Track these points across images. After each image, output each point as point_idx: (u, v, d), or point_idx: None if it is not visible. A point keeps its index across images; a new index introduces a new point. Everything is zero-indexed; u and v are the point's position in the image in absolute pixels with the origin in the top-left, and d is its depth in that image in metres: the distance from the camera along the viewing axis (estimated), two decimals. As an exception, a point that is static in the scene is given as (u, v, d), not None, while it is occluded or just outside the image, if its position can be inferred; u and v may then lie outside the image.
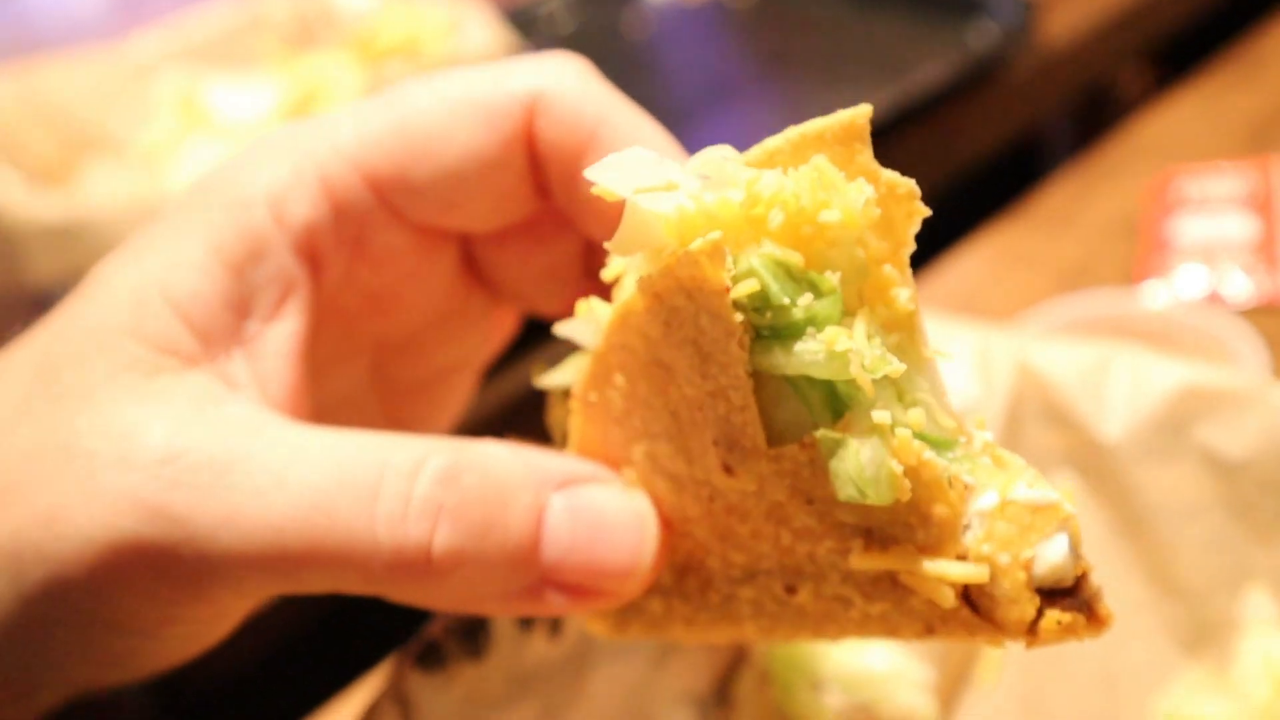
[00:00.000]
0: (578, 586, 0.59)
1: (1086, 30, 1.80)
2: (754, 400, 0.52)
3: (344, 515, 0.55)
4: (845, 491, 0.51)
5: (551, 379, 0.64)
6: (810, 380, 0.51)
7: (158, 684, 0.66)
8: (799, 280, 0.51)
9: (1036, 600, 0.51)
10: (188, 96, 1.58)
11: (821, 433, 0.51)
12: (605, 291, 0.59)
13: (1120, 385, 0.81)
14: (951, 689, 0.84)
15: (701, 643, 0.66)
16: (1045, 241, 1.39)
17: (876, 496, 0.50)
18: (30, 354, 0.61)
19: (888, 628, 0.57)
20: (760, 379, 0.52)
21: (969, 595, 0.53)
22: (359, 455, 0.57)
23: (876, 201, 0.51)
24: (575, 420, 0.61)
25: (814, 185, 0.51)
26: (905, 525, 0.52)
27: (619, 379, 0.57)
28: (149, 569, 0.56)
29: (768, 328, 0.51)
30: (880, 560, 0.54)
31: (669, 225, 0.51)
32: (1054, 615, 0.51)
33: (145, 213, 1.23)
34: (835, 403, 0.52)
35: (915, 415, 0.51)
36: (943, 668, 0.84)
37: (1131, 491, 0.81)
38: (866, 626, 0.58)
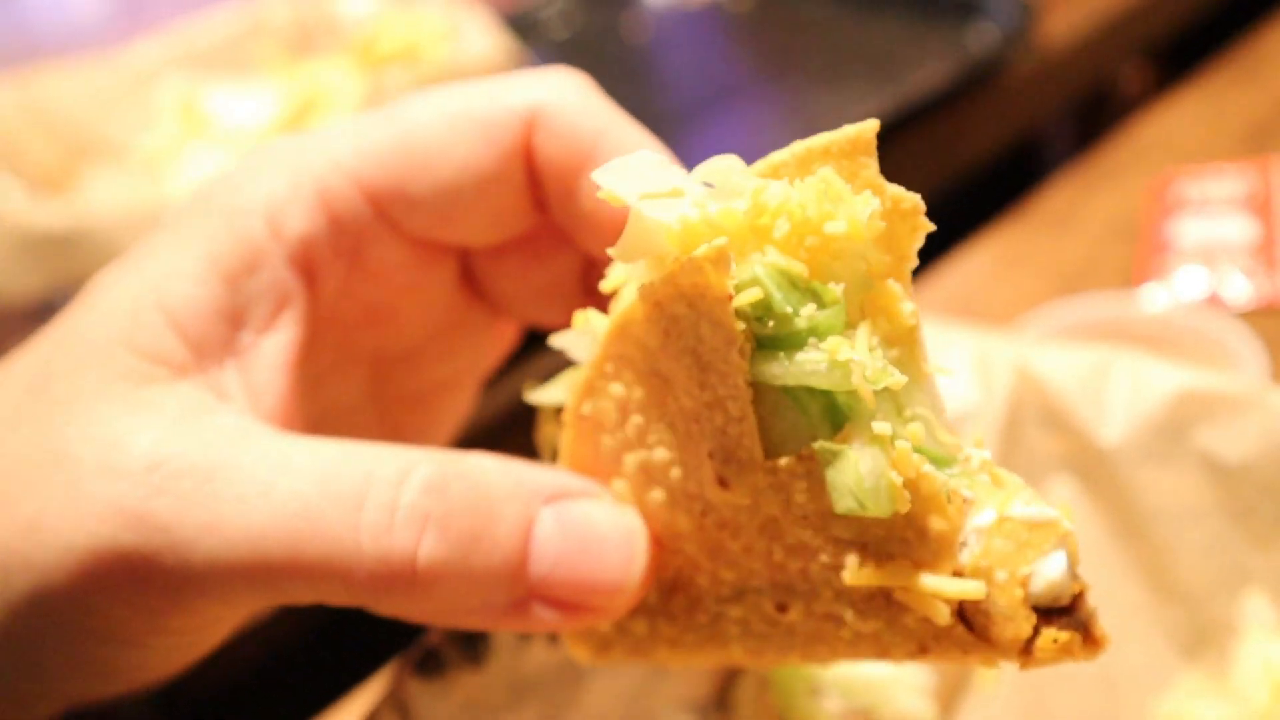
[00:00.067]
0: (565, 602, 0.58)
1: (1086, 32, 1.80)
2: (752, 411, 0.52)
3: (327, 524, 0.55)
4: (844, 503, 0.50)
5: (543, 395, 0.63)
6: (810, 391, 0.51)
7: (155, 691, 0.66)
8: (802, 290, 0.51)
9: (1033, 618, 0.50)
10: (188, 103, 1.59)
11: (820, 444, 0.51)
12: (603, 307, 0.59)
13: (1119, 389, 0.81)
14: (951, 693, 0.84)
15: (685, 666, 0.65)
16: (1045, 244, 1.39)
17: (876, 508, 0.50)
18: (25, 365, 0.61)
19: (879, 647, 0.56)
20: (759, 390, 0.52)
21: (964, 613, 0.52)
22: (344, 464, 0.56)
23: (881, 215, 0.51)
24: (566, 434, 0.61)
25: (820, 196, 0.51)
26: (902, 540, 0.52)
27: (615, 388, 0.57)
28: (132, 577, 0.55)
29: (769, 337, 0.51)
30: (876, 576, 0.53)
31: (671, 234, 0.51)
32: (1050, 634, 0.50)
33: (146, 219, 1.23)
34: (834, 415, 0.51)
35: (914, 430, 0.51)
36: (942, 672, 0.84)
37: (1131, 495, 0.81)
38: (858, 646, 0.57)
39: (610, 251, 0.52)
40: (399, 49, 1.62)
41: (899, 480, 0.50)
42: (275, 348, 0.62)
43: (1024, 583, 0.50)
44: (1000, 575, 0.50)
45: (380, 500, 0.56)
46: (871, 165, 0.52)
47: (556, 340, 0.60)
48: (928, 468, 0.50)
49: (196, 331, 0.60)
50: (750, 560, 0.57)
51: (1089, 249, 1.37)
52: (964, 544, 0.51)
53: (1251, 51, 1.67)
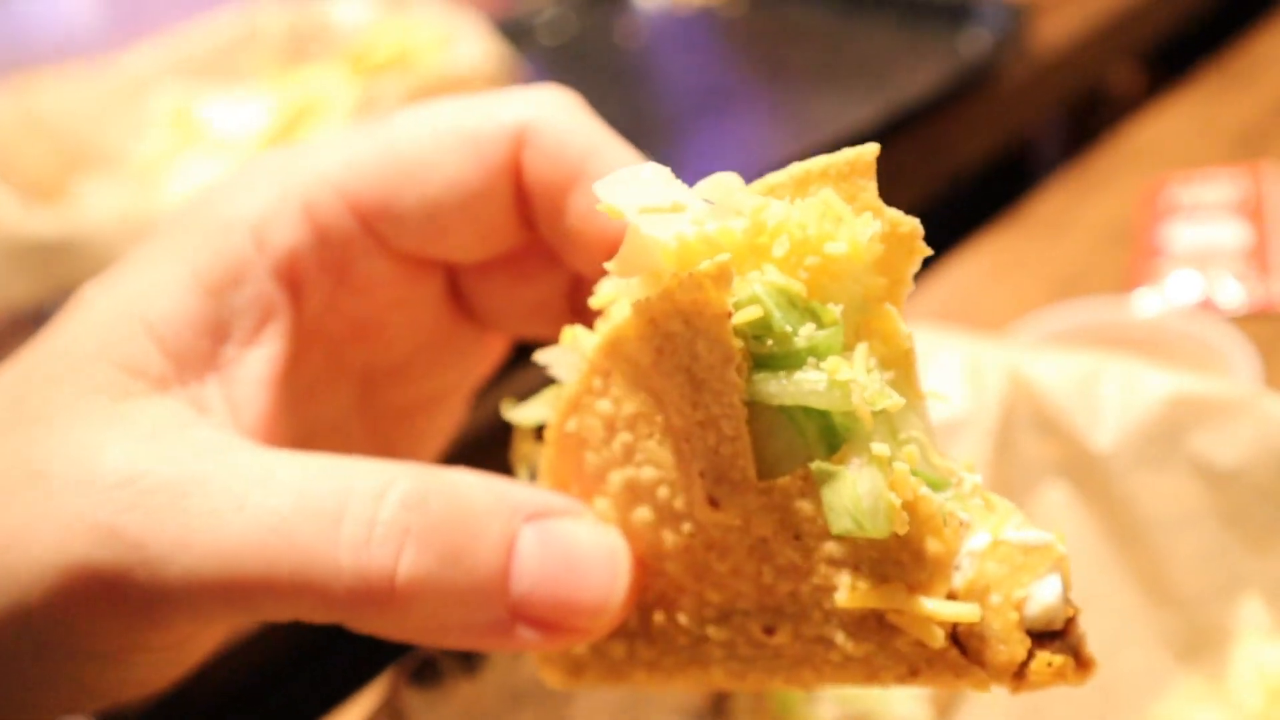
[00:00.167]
0: (546, 622, 0.57)
1: (1078, 37, 1.81)
2: (747, 430, 0.52)
3: (303, 539, 0.54)
4: (840, 524, 0.50)
5: (522, 413, 0.63)
6: (807, 411, 0.51)
7: (147, 703, 0.66)
8: (801, 310, 0.51)
9: (1027, 642, 0.50)
10: (182, 111, 1.58)
11: (817, 465, 0.51)
12: (590, 324, 0.59)
13: (1112, 394, 0.82)
14: (947, 697, 0.84)
15: (663, 690, 0.64)
16: (1038, 249, 1.39)
17: (873, 529, 0.50)
18: (6, 379, 0.61)
19: (869, 672, 0.56)
20: (754, 409, 0.52)
21: (957, 636, 0.52)
22: (322, 478, 0.56)
23: (880, 238, 0.51)
24: (549, 451, 0.61)
25: (821, 216, 0.51)
26: (896, 563, 0.52)
27: (603, 405, 0.57)
28: (104, 594, 0.54)
29: (767, 356, 0.51)
30: (870, 598, 0.52)
31: (668, 254, 0.51)
32: (1045, 657, 0.50)
33: (140, 228, 1.23)
34: (831, 436, 0.51)
35: (910, 452, 0.51)
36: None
37: (1124, 501, 0.81)
38: (846, 670, 0.56)
39: (607, 265, 0.52)
40: (392, 57, 1.61)
41: (897, 502, 0.49)
42: (259, 361, 0.62)
43: (1019, 606, 0.50)
44: (994, 599, 0.50)
45: (359, 515, 0.55)
46: (870, 188, 0.52)
47: (542, 356, 0.60)
48: (924, 490, 0.50)
49: (178, 344, 0.59)
50: (738, 582, 0.57)
51: (1082, 254, 1.37)
52: (957, 567, 0.51)
53: (1243, 56, 1.68)
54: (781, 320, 0.50)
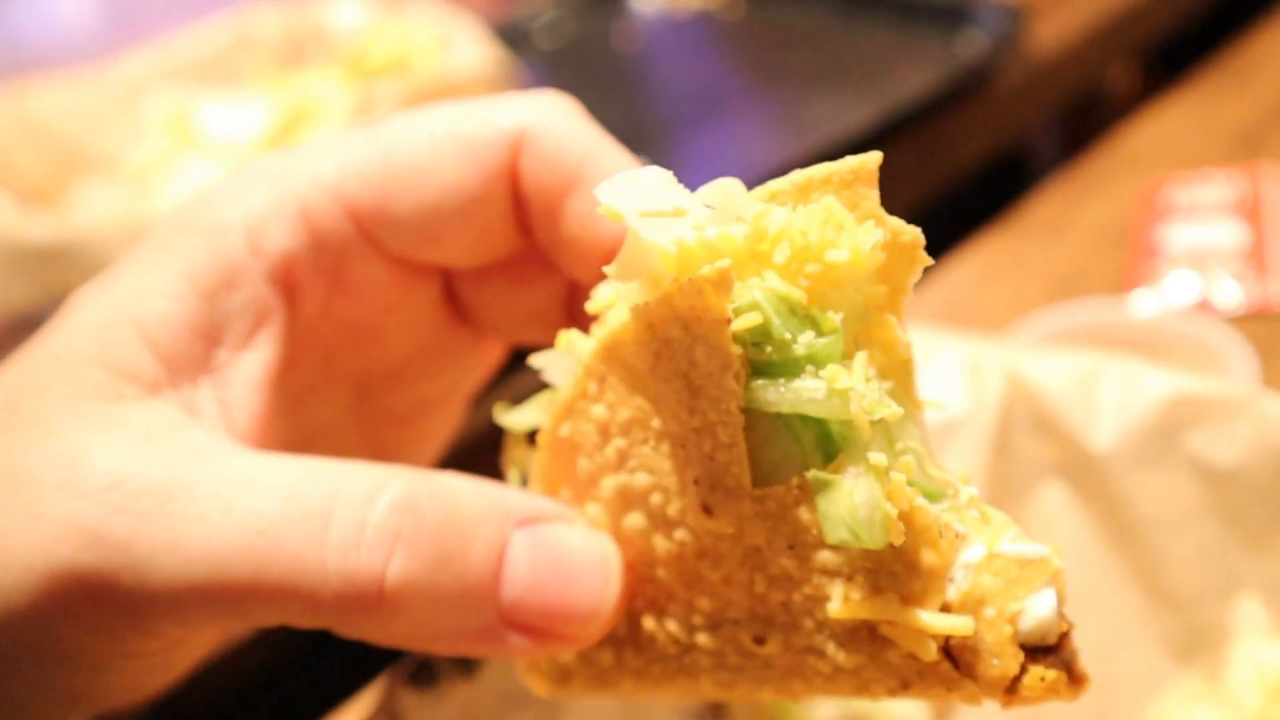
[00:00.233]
0: (536, 628, 0.57)
1: (1075, 39, 1.81)
2: (743, 437, 0.52)
3: (290, 543, 0.54)
4: (836, 534, 0.50)
5: (514, 417, 0.63)
6: (804, 420, 0.51)
7: (143, 706, 0.66)
8: (801, 317, 0.51)
9: (1021, 656, 0.50)
10: (178, 116, 1.58)
11: (813, 473, 0.50)
12: (586, 330, 0.58)
13: (1110, 395, 0.81)
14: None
15: (650, 699, 0.63)
16: (1035, 250, 1.39)
17: (869, 539, 0.49)
18: (0, 383, 0.60)
19: (859, 683, 0.55)
20: (751, 416, 0.51)
21: (950, 649, 0.52)
22: (311, 481, 0.55)
23: (881, 247, 0.51)
24: (541, 456, 0.60)
25: (823, 224, 0.50)
26: (890, 574, 0.51)
27: (597, 410, 0.56)
28: (90, 598, 0.54)
29: (765, 363, 0.50)
30: (863, 609, 0.52)
31: (667, 259, 0.51)
32: (1038, 672, 0.50)
33: (136, 233, 1.23)
34: (827, 444, 0.51)
35: (907, 463, 0.51)
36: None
37: (1122, 501, 0.81)
38: (836, 681, 0.56)
39: (606, 269, 0.52)
40: (389, 60, 1.61)
41: (894, 512, 0.49)
42: (252, 365, 0.62)
43: (1013, 620, 0.50)
44: (988, 612, 0.50)
45: (347, 518, 0.54)
46: (873, 196, 0.51)
47: (536, 360, 0.59)
48: (920, 501, 0.50)
49: (170, 347, 0.59)
50: (729, 590, 0.56)
51: (1080, 255, 1.37)
52: (951, 580, 0.51)
53: (1240, 57, 1.68)
54: (781, 327, 0.50)
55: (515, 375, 0.64)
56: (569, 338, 0.58)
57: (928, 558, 0.50)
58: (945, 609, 0.51)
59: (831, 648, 0.55)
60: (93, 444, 0.56)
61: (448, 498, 0.56)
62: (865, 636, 0.54)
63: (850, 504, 0.49)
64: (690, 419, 0.52)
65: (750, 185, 0.52)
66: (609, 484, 0.58)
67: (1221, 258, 1.29)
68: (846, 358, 0.51)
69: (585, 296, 0.58)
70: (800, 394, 0.50)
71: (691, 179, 0.52)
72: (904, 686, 0.54)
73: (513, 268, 0.69)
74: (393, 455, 0.73)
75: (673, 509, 0.56)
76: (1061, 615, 0.50)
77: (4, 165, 1.49)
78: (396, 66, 1.61)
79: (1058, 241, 1.40)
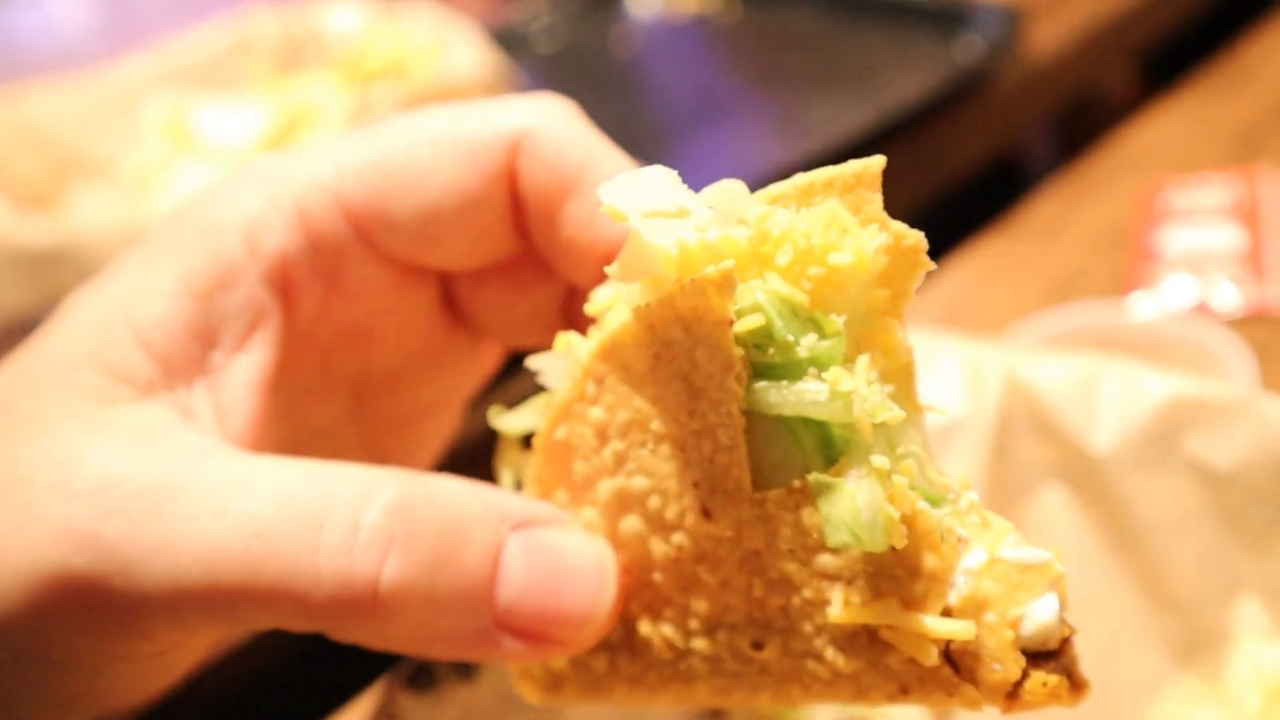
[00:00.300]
0: (531, 632, 0.57)
1: (1072, 42, 1.81)
2: (744, 440, 0.51)
3: (283, 545, 0.53)
4: (837, 537, 0.50)
5: (509, 420, 0.62)
6: (805, 422, 0.51)
7: (134, 712, 0.65)
8: (803, 320, 0.51)
9: (1022, 661, 0.50)
10: (175, 120, 1.58)
11: (814, 476, 0.50)
12: (584, 334, 0.58)
13: (1109, 397, 0.81)
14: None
15: (643, 707, 0.63)
16: (1033, 253, 1.39)
17: (871, 542, 0.49)
18: None
19: (857, 689, 0.55)
20: (752, 419, 0.51)
21: (950, 654, 0.51)
22: (304, 483, 0.55)
23: (884, 250, 0.51)
24: (536, 460, 0.60)
25: (826, 226, 0.50)
26: (890, 578, 0.51)
27: (595, 413, 0.56)
28: (82, 602, 0.54)
29: (767, 365, 0.50)
30: (864, 613, 0.52)
31: (669, 260, 0.50)
32: (1040, 677, 0.50)
33: (133, 237, 1.22)
34: (829, 447, 0.51)
35: (908, 466, 0.50)
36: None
37: (1122, 503, 0.81)
38: (834, 688, 0.56)
39: (608, 270, 0.52)
40: (386, 64, 1.61)
41: (896, 515, 0.49)
42: (248, 367, 0.61)
43: (1014, 625, 0.50)
44: (989, 617, 0.50)
45: (341, 520, 0.54)
46: (876, 200, 0.51)
47: (534, 362, 0.59)
48: (922, 504, 0.50)
49: (165, 349, 0.59)
50: (727, 595, 0.56)
51: (1077, 258, 1.37)
52: (952, 584, 0.50)
53: (1237, 60, 1.68)
54: (784, 329, 0.50)
55: (512, 379, 0.63)
56: (567, 340, 0.58)
57: (929, 561, 0.50)
58: (946, 613, 0.51)
59: (830, 652, 0.54)
60: (86, 446, 0.55)
61: (443, 500, 0.56)
62: (865, 641, 0.53)
63: (852, 507, 0.49)
64: (690, 421, 0.52)
65: (748, 189, 0.52)
66: (606, 487, 0.58)
67: (1219, 261, 1.29)
68: (849, 361, 0.51)
69: (583, 301, 0.58)
70: (803, 396, 0.50)
71: (689, 182, 0.51)
72: (903, 692, 0.54)
73: (510, 271, 0.69)
74: (390, 458, 0.72)
75: (671, 512, 0.55)
76: (1063, 620, 0.50)
77: (1, 169, 1.49)
78: (393, 71, 1.61)
79: (1056, 245, 1.40)
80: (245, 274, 0.61)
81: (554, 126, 0.64)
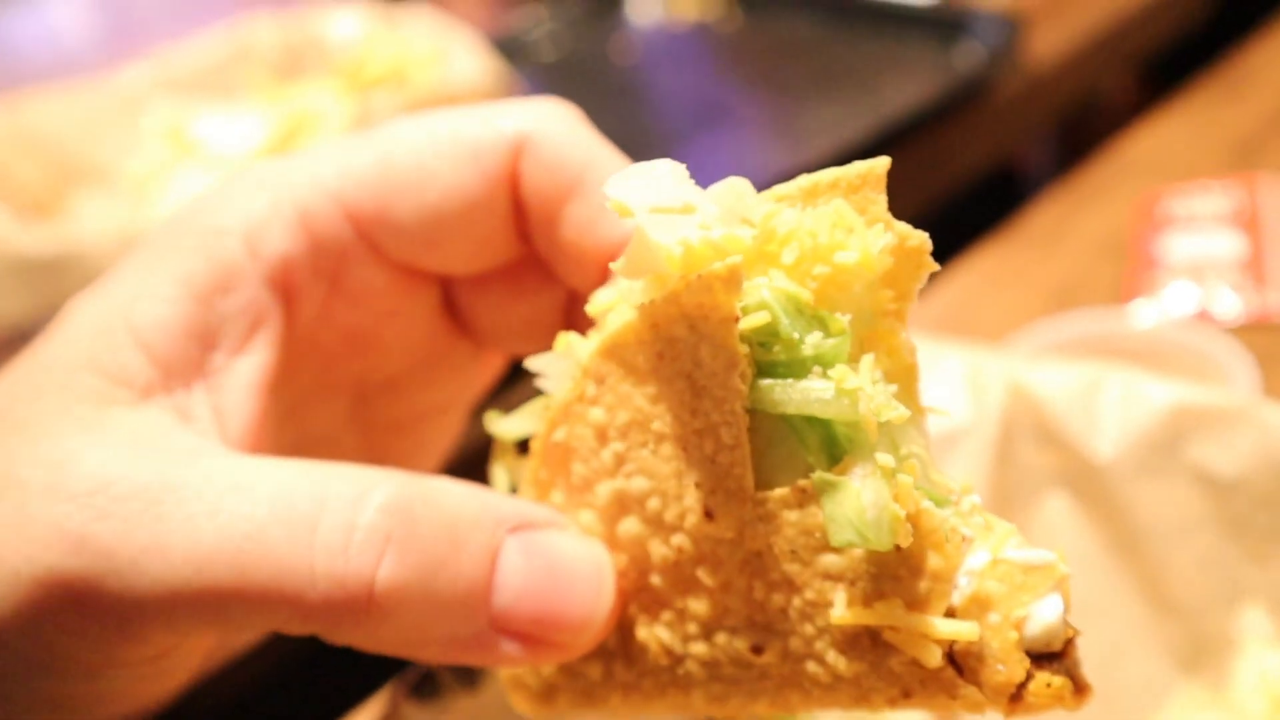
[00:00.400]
0: (529, 636, 0.56)
1: (1072, 50, 1.81)
2: (746, 439, 0.51)
3: (276, 545, 0.53)
4: (841, 536, 0.49)
5: (506, 425, 0.62)
6: (809, 421, 0.50)
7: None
8: (809, 318, 0.50)
9: (1026, 662, 0.49)
10: (175, 127, 1.58)
11: (818, 475, 0.50)
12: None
13: (1112, 404, 0.81)
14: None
15: (639, 715, 0.62)
16: (1034, 261, 1.39)
17: (876, 541, 0.49)
18: None
19: (859, 692, 0.54)
20: (755, 418, 0.51)
21: (953, 656, 0.51)
22: (299, 484, 0.54)
23: (889, 251, 0.51)
24: (534, 463, 0.60)
25: (832, 225, 0.50)
26: (894, 578, 0.51)
27: (595, 413, 0.56)
28: (75, 605, 0.54)
29: (771, 363, 0.50)
30: (866, 614, 0.51)
31: (672, 260, 0.50)
32: (1044, 678, 0.49)
33: (133, 244, 1.22)
34: (832, 446, 0.50)
35: (912, 466, 0.50)
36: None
37: (1124, 510, 0.81)
38: (835, 692, 0.55)
39: (613, 266, 0.52)
40: (386, 72, 1.61)
41: (901, 513, 0.48)
42: (248, 369, 0.61)
43: (1019, 625, 0.49)
44: (993, 618, 0.49)
45: (336, 521, 0.53)
46: (880, 201, 0.51)
47: (534, 363, 0.59)
48: (927, 504, 0.49)
49: (165, 351, 0.59)
50: (727, 597, 0.56)
51: (1078, 266, 1.37)
52: (956, 585, 0.50)
53: (1237, 68, 1.68)
54: (789, 327, 0.50)
55: (514, 387, 0.63)
56: (567, 340, 0.58)
57: (933, 562, 0.50)
58: (949, 614, 0.50)
59: (832, 655, 0.54)
60: (81, 448, 0.55)
61: (439, 501, 0.56)
62: (867, 643, 0.53)
63: (857, 505, 0.49)
64: (692, 420, 0.52)
65: (756, 192, 0.52)
66: (604, 489, 0.57)
67: (1220, 268, 1.29)
68: (852, 360, 0.51)
69: (584, 306, 0.58)
70: (807, 394, 0.49)
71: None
72: (905, 695, 0.53)
73: (511, 277, 0.69)
74: (391, 464, 0.72)
75: (671, 514, 0.55)
76: (1067, 622, 0.50)
77: (1, 176, 1.49)
78: (394, 78, 1.61)
79: (1056, 252, 1.40)
80: (246, 276, 0.61)
81: (556, 130, 0.64)
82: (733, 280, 0.48)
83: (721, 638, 0.57)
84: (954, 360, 0.87)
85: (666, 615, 0.58)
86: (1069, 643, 0.50)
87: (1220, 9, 2.01)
